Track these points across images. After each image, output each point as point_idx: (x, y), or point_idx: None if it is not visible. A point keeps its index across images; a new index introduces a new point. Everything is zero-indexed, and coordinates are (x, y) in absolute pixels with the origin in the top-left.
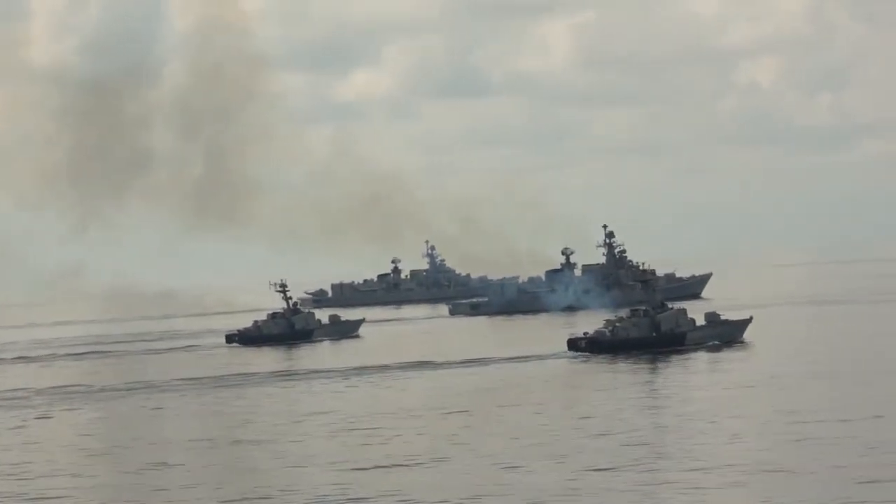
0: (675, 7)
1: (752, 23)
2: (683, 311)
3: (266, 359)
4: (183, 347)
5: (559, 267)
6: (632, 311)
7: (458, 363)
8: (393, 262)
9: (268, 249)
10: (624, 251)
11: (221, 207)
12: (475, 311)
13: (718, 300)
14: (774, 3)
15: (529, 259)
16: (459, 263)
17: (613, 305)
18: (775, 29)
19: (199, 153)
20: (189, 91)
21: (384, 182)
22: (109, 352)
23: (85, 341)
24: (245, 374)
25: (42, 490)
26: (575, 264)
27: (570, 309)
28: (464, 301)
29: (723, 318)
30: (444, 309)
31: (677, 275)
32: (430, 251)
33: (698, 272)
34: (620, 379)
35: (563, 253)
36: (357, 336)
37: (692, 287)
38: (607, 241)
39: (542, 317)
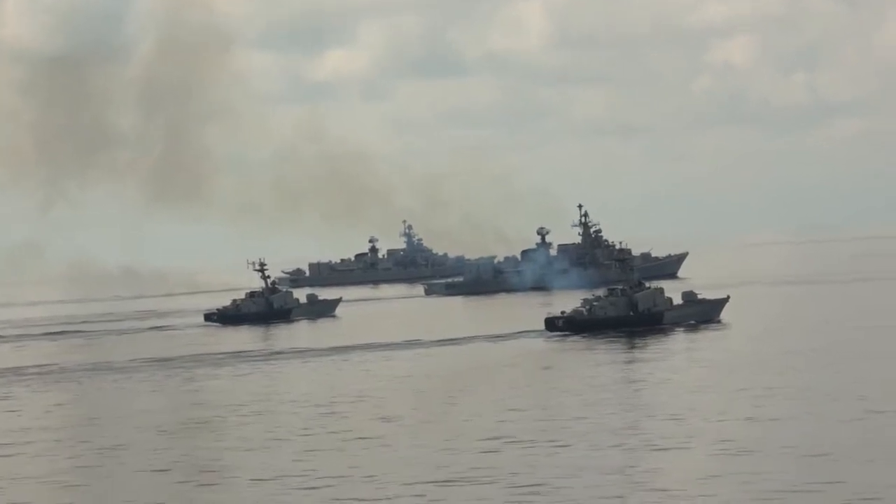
0: None
1: (725, 2)
2: (661, 290)
3: (243, 338)
4: (159, 327)
5: (534, 246)
6: (609, 290)
7: (435, 343)
8: (370, 241)
9: (230, 228)
10: (599, 230)
11: (183, 186)
12: (450, 290)
13: (694, 280)
14: None
15: (504, 239)
16: (435, 243)
17: (589, 285)
18: (749, 8)
19: (161, 131)
20: (153, 69)
21: (351, 161)
22: (82, 332)
23: (56, 321)
24: (217, 353)
25: None
26: (550, 244)
27: (546, 289)
28: (439, 281)
29: (700, 297)
30: (420, 289)
31: (653, 254)
32: (406, 230)
33: (674, 252)
34: (597, 358)
35: (538, 232)
36: (334, 316)
37: (668, 266)
38: (582, 220)
39: (518, 296)
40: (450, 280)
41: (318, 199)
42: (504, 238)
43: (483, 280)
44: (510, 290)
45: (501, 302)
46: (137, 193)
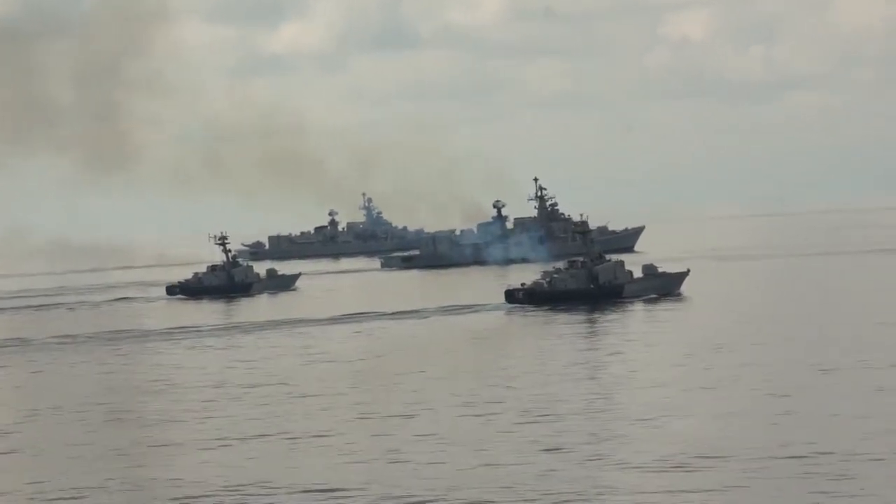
0: None
1: None
2: (621, 263)
3: (203, 312)
4: (120, 298)
5: (490, 220)
6: (569, 262)
7: (393, 315)
8: (330, 214)
9: (166, 200)
10: (555, 204)
11: (118, 159)
12: (406, 264)
13: (651, 254)
14: None
15: (460, 211)
16: (394, 216)
17: (546, 258)
18: None
19: (96, 104)
20: (92, 41)
21: (293, 133)
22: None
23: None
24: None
25: None
26: (507, 217)
27: (503, 262)
28: (395, 254)
29: (660, 270)
30: (378, 262)
31: (610, 228)
32: (366, 204)
33: (631, 226)
34: (556, 331)
35: (494, 206)
36: (294, 289)
37: (625, 240)
38: (539, 193)
39: (475, 269)
40: (405, 253)
41: (257, 171)
42: (460, 211)
43: (439, 253)
44: (466, 263)
45: (458, 275)
46: (74, 166)
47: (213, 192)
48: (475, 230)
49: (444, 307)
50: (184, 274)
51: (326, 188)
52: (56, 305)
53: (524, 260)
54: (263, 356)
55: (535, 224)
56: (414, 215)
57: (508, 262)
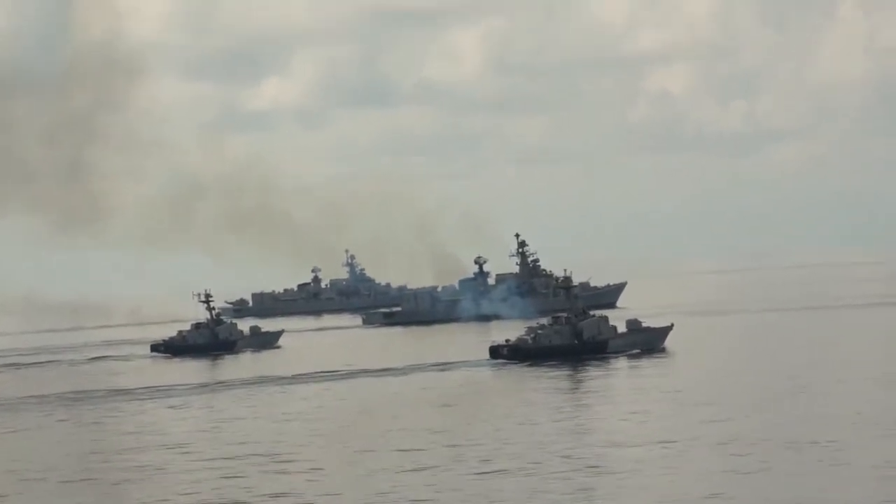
0: (583, 14)
1: (660, 29)
2: (605, 318)
3: (184, 371)
4: (101, 357)
5: (472, 276)
6: (553, 318)
7: (379, 372)
8: (313, 271)
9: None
10: (537, 260)
11: (89, 216)
12: (388, 320)
13: (634, 309)
14: (682, 9)
15: (442, 268)
16: (378, 273)
17: (528, 314)
18: (684, 35)
19: (68, 161)
20: (64, 97)
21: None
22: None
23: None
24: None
25: None
26: (488, 273)
27: (485, 318)
28: (377, 310)
29: (644, 325)
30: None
31: (592, 283)
32: (349, 261)
33: (612, 281)
34: (540, 386)
35: (476, 262)
36: (278, 347)
37: (607, 296)
38: (520, 249)
39: (457, 326)
40: (387, 310)
41: (231, 227)
42: (442, 267)
43: (421, 309)
44: (448, 319)
45: (441, 331)
46: (46, 224)
47: (186, 249)
48: (457, 286)
49: (429, 364)
50: (161, 332)
51: (301, 244)
52: (32, 364)
53: (505, 316)
54: (235, 416)
55: (516, 280)
56: (392, 271)
57: (490, 318)
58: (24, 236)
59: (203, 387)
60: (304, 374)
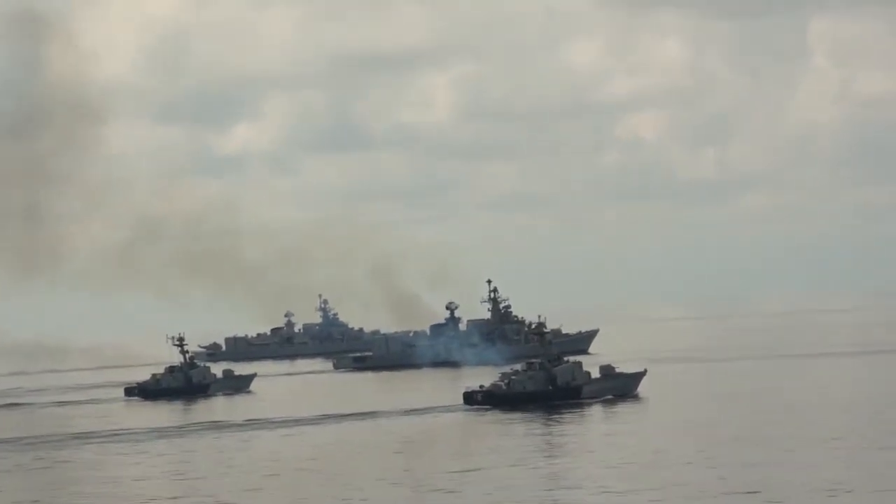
0: (555, 60)
1: (631, 76)
2: (579, 364)
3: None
4: (81, 401)
5: (443, 321)
6: (527, 363)
7: (352, 416)
8: (286, 315)
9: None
10: (509, 306)
11: (45, 261)
12: (358, 364)
13: (605, 356)
14: (653, 56)
15: (409, 314)
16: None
17: (499, 360)
18: (655, 82)
19: (20, 205)
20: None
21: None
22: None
23: None
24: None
25: None
26: (460, 318)
27: (455, 364)
28: (348, 355)
29: (617, 370)
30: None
31: (563, 331)
32: (322, 305)
33: (584, 328)
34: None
35: (447, 307)
36: (249, 391)
37: (579, 343)
38: (492, 296)
39: (427, 371)
40: (358, 354)
41: (191, 271)
42: (410, 313)
43: (392, 354)
44: (419, 364)
45: (412, 376)
46: (7, 268)
47: (142, 292)
48: (427, 332)
49: (402, 409)
50: (128, 375)
51: (264, 288)
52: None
53: (476, 362)
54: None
55: (488, 326)
56: (361, 315)
57: (461, 364)
58: None
59: (162, 431)
60: (265, 420)
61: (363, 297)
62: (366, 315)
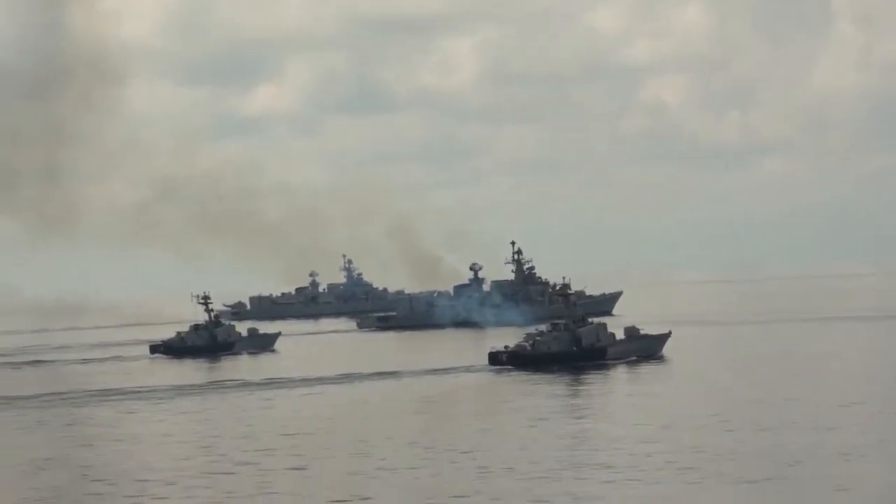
0: (578, 24)
1: (655, 40)
2: (604, 325)
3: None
4: (105, 358)
5: (468, 282)
6: (552, 324)
7: (374, 376)
8: (311, 275)
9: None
10: (532, 267)
11: (66, 219)
12: (382, 324)
13: (629, 318)
14: (677, 20)
15: (438, 274)
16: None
17: (522, 321)
18: (679, 46)
19: (41, 165)
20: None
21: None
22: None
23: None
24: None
25: None
26: (483, 280)
27: (478, 324)
28: (371, 314)
29: (642, 332)
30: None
31: (587, 292)
32: (346, 265)
33: (608, 290)
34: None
35: (471, 268)
36: (273, 350)
37: (603, 304)
38: (515, 257)
39: (451, 331)
40: (382, 314)
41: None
42: (438, 273)
43: (416, 314)
44: (443, 325)
45: (435, 336)
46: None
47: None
48: (451, 292)
49: (425, 369)
50: (150, 333)
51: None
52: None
53: (500, 323)
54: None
55: (512, 287)
56: (387, 275)
57: (484, 324)
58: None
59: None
60: (287, 379)
61: (383, 257)
62: (385, 275)
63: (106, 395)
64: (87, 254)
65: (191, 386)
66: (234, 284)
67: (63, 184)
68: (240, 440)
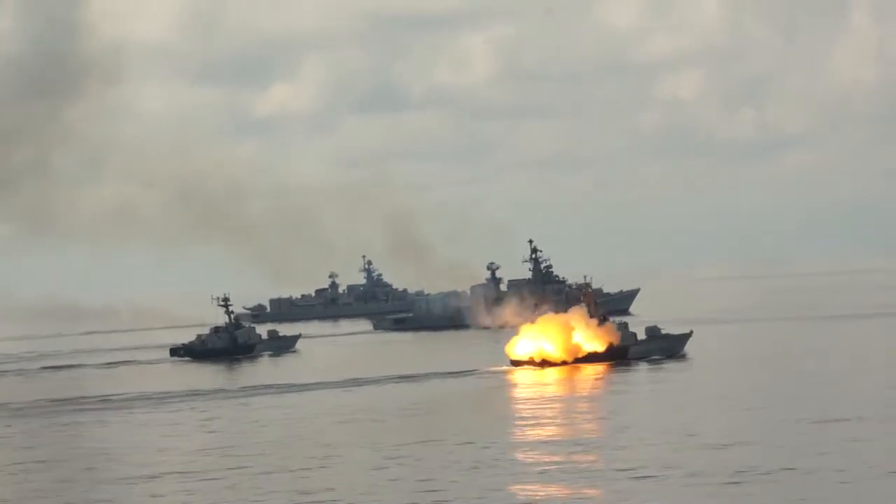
0: (594, 20)
1: (671, 35)
2: (625, 324)
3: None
4: (127, 361)
5: (484, 282)
6: None
7: (397, 379)
8: (330, 276)
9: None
10: (550, 266)
11: (63, 220)
12: (398, 326)
13: (646, 315)
14: (692, 16)
15: (455, 274)
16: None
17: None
18: (695, 41)
19: (31, 162)
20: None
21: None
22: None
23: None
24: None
25: None
26: (500, 279)
27: (496, 324)
28: (388, 316)
29: (663, 332)
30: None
31: (604, 290)
32: (366, 266)
33: (625, 287)
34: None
35: (488, 268)
36: (294, 351)
37: (620, 302)
38: (533, 255)
39: (467, 332)
40: (398, 315)
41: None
42: (455, 273)
43: (432, 315)
44: (459, 325)
45: (450, 337)
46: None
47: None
48: (468, 292)
49: (448, 372)
50: (167, 336)
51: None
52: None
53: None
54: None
55: (528, 286)
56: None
57: (502, 324)
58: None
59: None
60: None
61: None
62: (402, 276)
63: (131, 399)
64: (113, 256)
65: (207, 391)
66: (252, 287)
67: (80, 186)
68: (246, 446)
